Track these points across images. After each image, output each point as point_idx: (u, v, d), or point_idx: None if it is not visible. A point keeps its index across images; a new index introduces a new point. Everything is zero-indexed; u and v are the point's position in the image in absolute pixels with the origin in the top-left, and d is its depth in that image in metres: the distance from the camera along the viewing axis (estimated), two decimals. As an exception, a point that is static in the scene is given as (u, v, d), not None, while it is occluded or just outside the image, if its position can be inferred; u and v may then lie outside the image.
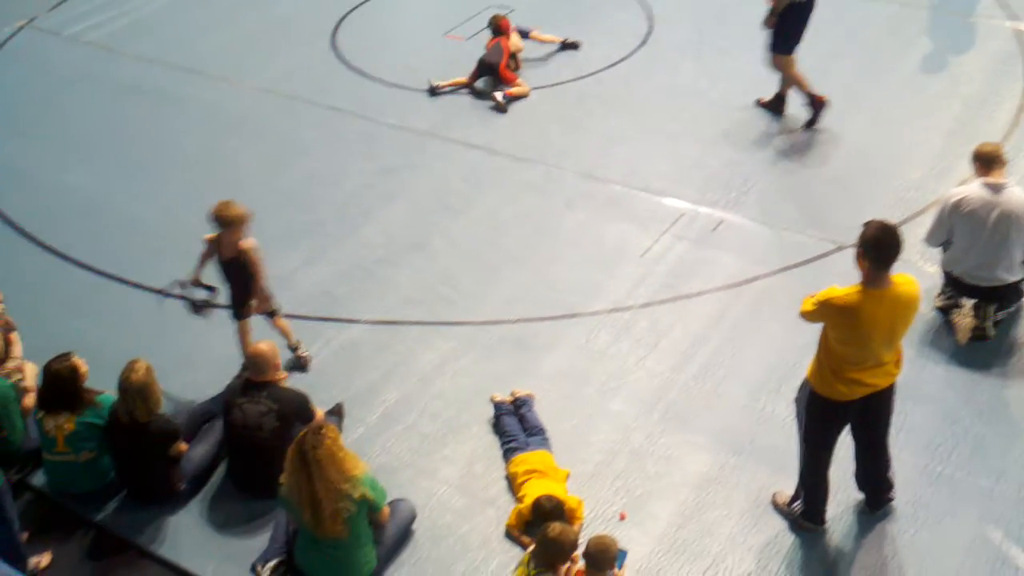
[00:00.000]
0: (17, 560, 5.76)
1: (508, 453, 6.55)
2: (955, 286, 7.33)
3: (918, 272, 7.07)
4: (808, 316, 5.56)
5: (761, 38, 11.01)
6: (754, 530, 6.09)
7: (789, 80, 9.68)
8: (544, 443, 6.57)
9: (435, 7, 12.99)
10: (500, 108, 10.40)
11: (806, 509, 6.02)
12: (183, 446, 6.42)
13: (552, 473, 6.32)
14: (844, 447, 5.90)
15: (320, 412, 6.51)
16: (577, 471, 6.46)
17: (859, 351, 5.42)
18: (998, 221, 6.96)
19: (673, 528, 6.13)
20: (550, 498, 6.02)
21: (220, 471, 6.60)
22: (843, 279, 5.58)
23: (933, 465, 6.40)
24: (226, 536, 6.24)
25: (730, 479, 6.40)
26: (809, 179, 9.20)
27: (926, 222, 7.57)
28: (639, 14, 12.22)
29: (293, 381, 6.89)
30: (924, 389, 6.89)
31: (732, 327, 7.57)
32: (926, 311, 7.38)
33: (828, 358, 5.52)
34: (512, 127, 10.22)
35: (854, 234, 5.45)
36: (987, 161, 7.14)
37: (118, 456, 6.35)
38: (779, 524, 6.11)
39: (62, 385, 6.22)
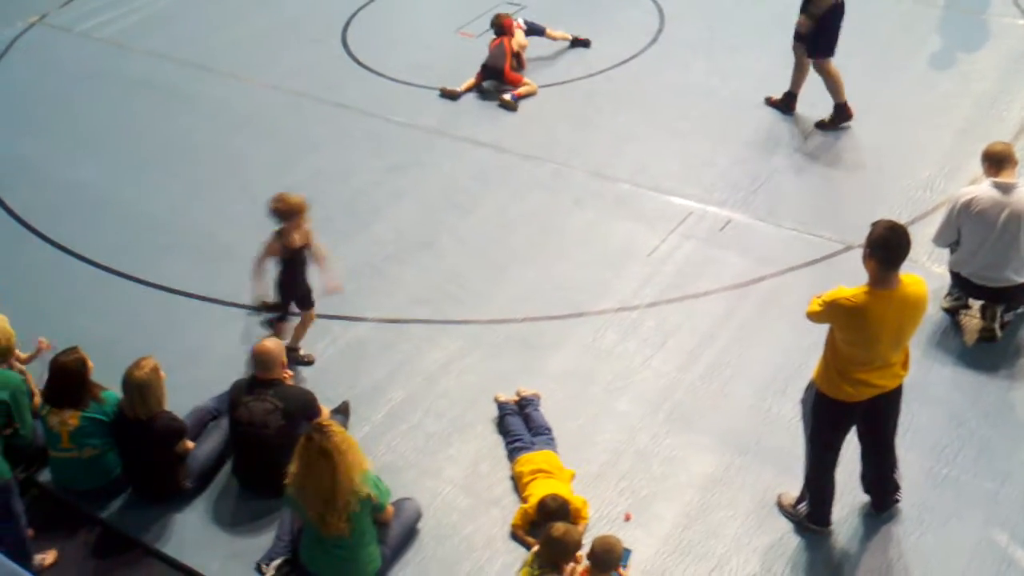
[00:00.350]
0: (23, 557, 5.77)
1: (513, 453, 6.54)
2: (963, 287, 7.30)
3: (926, 273, 7.03)
4: (815, 317, 5.54)
5: (772, 36, 11.04)
6: (759, 531, 6.07)
7: (832, 82, 9.54)
8: (549, 443, 6.56)
9: (446, 4, 12.97)
10: (510, 107, 10.38)
11: (811, 511, 6.01)
12: (189, 444, 6.44)
13: (557, 473, 6.32)
14: (850, 448, 5.88)
15: (326, 410, 6.52)
16: (582, 471, 6.45)
17: (866, 352, 5.39)
18: (1007, 222, 6.92)
19: (678, 529, 6.12)
20: (555, 498, 6.01)
21: (226, 469, 6.61)
22: (851, 279, 5.56)
23: (939, 467, 6.38)
24: (231, 534, 6.25)
25: (735, 480, 6.39)
26: (818, 178, 9.17)
27: (935, 222, 7.54)
28: (650, 11, 12.19)
29: (299, 379, 6.90)
30: (931, 390, 6.86)
31: (739, 327, 7.55)
32: (933, 312, 7.34)
33: (835, 359, 5.50)
34: (521, 125, 10.20)
35: (862, 234, 5.43)
36: (997, 161, 7.10)
37: (124, 453, 6.36)
38: (784, 526, 6.10)
39: (69, 378, 6.24)
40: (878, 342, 5.35)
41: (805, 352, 6.89)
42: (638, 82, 10.82)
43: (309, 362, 7.39)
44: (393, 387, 7.21)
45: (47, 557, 6.07)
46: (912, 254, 5.38)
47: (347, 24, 12.33)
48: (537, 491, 6.11)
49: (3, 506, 5.73)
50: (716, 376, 7.15)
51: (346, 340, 7.65)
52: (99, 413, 6.27)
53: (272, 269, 7.14)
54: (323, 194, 9.31)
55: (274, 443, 6.22)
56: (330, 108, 10.65)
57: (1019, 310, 7.36)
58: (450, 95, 10.66)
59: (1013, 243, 6.96)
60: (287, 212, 6.92)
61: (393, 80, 11.08)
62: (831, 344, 5.52)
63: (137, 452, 6.30)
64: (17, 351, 6.77)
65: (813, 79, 9.69)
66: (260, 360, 6.35)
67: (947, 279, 7.46)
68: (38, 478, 6.60)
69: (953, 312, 7.47)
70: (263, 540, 6.13)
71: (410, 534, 6.10)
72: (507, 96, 10.41)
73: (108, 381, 6.41)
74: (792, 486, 6.13)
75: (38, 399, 6.53)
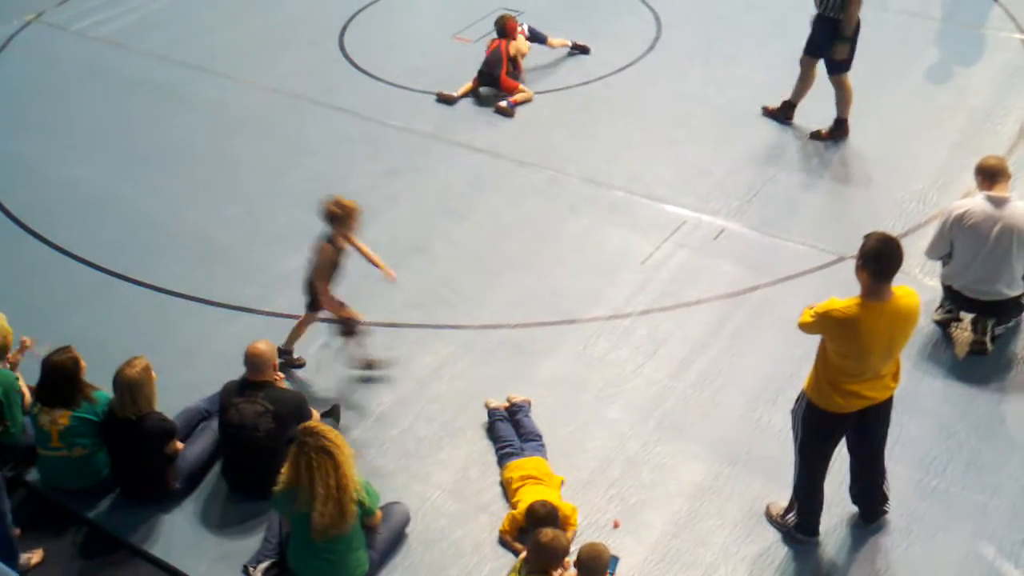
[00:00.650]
0: (9, 556, 5.76)
1: (503, 459, 6.55)
2: (955, 300, 7.31)
3: (918, 285, 7.05)
4: (807, 328, 5.55)
5: (769, 45, 11.09)
6: (747, 541, 6.08)
7: (844, 97, 9.53)
8: (539, 449, 6.57)
9: (444, 9, 12.99)
10: (507, 114, 10.38)
11: (800, 521, 6.01)
12: (179, 444, 6.44)
13: (547, 479, 6.32)
14: (839, 459, 5.90)
15: (316, 413, 6.52)
16: (572, 478, 6.45)
17: (858, 363, 5.40)
18: (1000, 235, 6.94)
19: (667, 537, 6.12)
20: (544, 504, 6.01)
21: (215, 470, 6.61)
22: (844, 290, 5.58)
23: (928, 479, 6.39)
24: (219, 536, 6.24)
25: (725, 489, 6.39)
26: (812, 189, 9.19)
27: (928, 234, 7.56)
28: (647, 19, 12.21)
29: (290, 382, 6.90)
30: (921, 402, 6.87)
31: (731, 336, 7.56)
32: (925, 324, 7.36)
33: (826, 370, 5.51)
34: (517, 131, 10.22)
35: (855, 245, 5.44)
36: (991, 175, 7.12)
37: (113, 453, 6.36)
38: (773, 535, 6.10)
39: (62, 377, 6.24)
40: (869, 354, 5.36)
41: (796, 362, 6.91)
42: (634, 90, 10.84)
43: (300, 365, 7.39)
44: (384, 391, 7.21)
45: (34, 556, 6.05)
46: (905, 266, 5.40)
47: (344, 27, 12.34)
48: (526, 497, 6.11)
49: (-11, 505, 5.72)
50: (707, 385, 7.16)
51: (338, 344, 7.63)
52: (90, 413, 6.27)
53: (307, 268, 7.13)
54: (318, 197, 9.27)
55: (264, 445, 6.22)
56: (327, 111, 10.66)
57: (1010, 324, 7.38)
58: (446, 99, 10.67)
59: (1005, 257, 6.98)
60: (343, 216, 6.92)
61: (390, 84, 11.09)
62: (822, 355, 5.53)
63: (126, 452, 6.29)
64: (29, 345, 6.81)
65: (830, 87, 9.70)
66: (251, 362, 6.34)
67: (939, 292, 7.47)
68: (25, 477, 6.59)
69: (944, 325, 7.48)
70: (251, 542, 6.12)
71: (398, 538, 6.10)
72: (503, 103, 10.42)
73: (100, 381, 6.41)
74: (781, 496, 6.14)
75: (28, 398, 6.52)
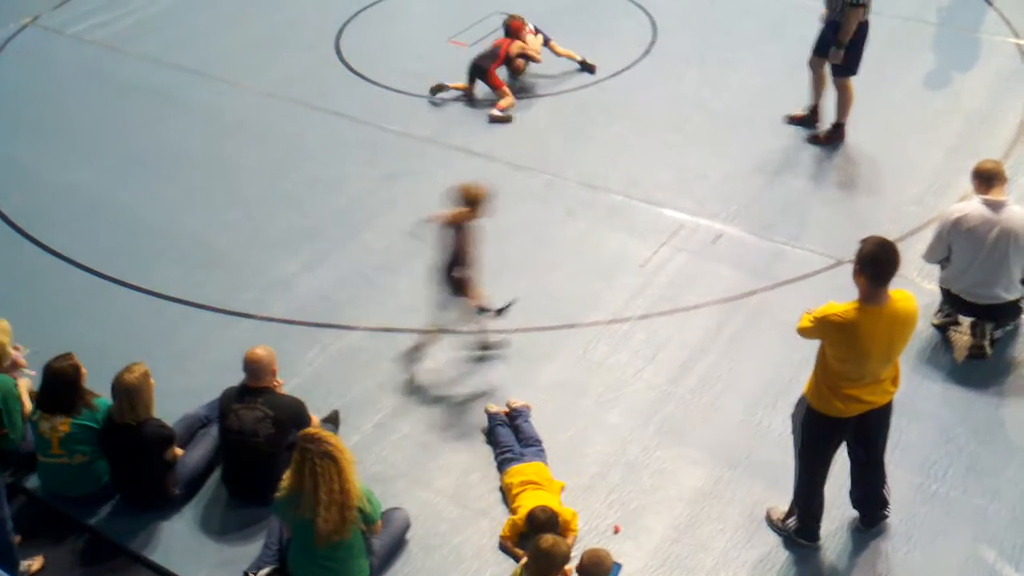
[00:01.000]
0: (9, 563, 5.74)
1: (503, 464, 6.54)
2: (953, 303, 7.33)
3: (916, 289, 7.05)
4: (805, 333, 5.56)
5: (765, 49, 11.10)
6: (748, 546, 6.08)
7: (844, 100, 9.54)
8: (539, 454, 6.56)
9: (439, 13, 12.99)
10: (504, 121, 10.36)
11: (800, 526, 6.02)
12: (178, 451, 6.43)
13: (547, 485, 6.32)
14: (839, 464, 5.90)
15: (316, 419, 6.51)
16: (572, 483, 6.45)
17: (857, 368, 5.41)
18: (997, 239, 6.95)
19: (667, 542, 6.12)
20: (544, 509, 6.01)
21: (215, 477, 6.59)
22: (842, 294, 5.58)
23: (928, 483, 6.39)
24: (219, 542, 6.23)
25: (725, 494, 6.40)
26: (809, 193, 9.20)
27: (925, 238, 7.57)
28: (643, 23, 12.22)
29: (290, 387, 6.89)
30: (920, 406, 6.88)
31: (730, 341, 7.57)
32: (923, 328, 7.37)
33: (825, 374, 5.52)
34: (513, 135, 10.22)
35: (853, 249, 5.45)
36: (987, 178, 7.13)
37: (112, 459, 6.34)
38: (773, 540, 6.11)
39: (63, 383, 6.22)
40: (868, 358, 5.37)
41: (795, 366, 6.91)
42: (631, 94, 10.84)
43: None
44: (384, 396, 7.21)
45: (34, 564, 6.04)
46: (903, 270, 5.41)
47: (340, 31, 12.33)
48: (526, 503, 6.11)
49: (-11, 511, 5.70)
50: (707, 389, 7.16)
51: (337, 349, 7.64)
52: (91, 420, 6.25)
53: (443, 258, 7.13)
54: (316, 202, 9.34)
55: (264, 451, 6.21)
56: (323, 115, 10.65)
57: (1008, 327, 7.40)
58: (437, 88, 10.67)
59: (1003, 261, 7.00)
60: (477, 201, 6.99)
61: (386, 88, 11.09)
62: (822, 360, 5.54)
63: (125, 458, 6.28)
64: (20, 358, 6.77)
65: (827, 91, 9.71)
66: (250, 368, 6.33)
67: (937, 295, 7.49)
68: (25, 484, 6.57)
69: (943, 329, 7.50)
70: (251, 549, 6.11)
71: (399, 544, 6.10)
72: (496, 112, 10.40)
73: (98, 387, 6.40)
74: (781, 500, 6.14)
75: (28, 405, 6.50)
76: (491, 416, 6.88)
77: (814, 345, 5.57)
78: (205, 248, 8.75)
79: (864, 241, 5.37)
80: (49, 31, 12.63)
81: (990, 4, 12.27)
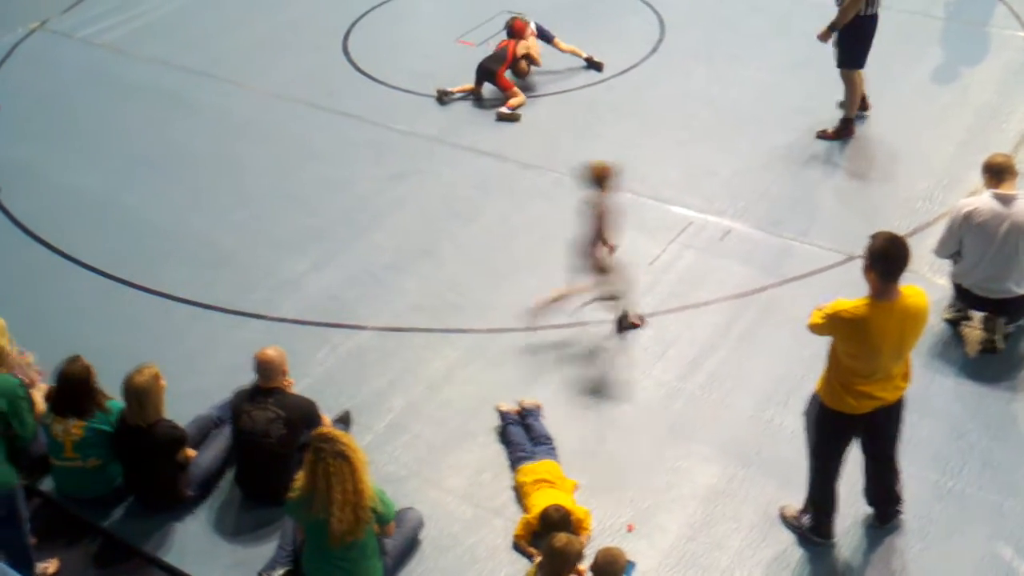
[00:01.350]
0: (26, 565, 5.76)
1: (516, 463, 6.53)
2: (964, 298, 7.30)
3: (927, 284, 7.04)
4: (816, 329, 5.54)
5: (773, 45, 11.06)
6: (763, 544, 6.06)
7: (851, 94, 9.52)
8: (551, 452, 6.55)
9: (447, 13, 12.97)
10: (512, 119, 10.36)
11: (814, 523, 6.00)
12: (190, 452, 6.43)
13: (560, 483, 6.31)
14: (853, 461, 5.88)
15: (327, 419, 6.51)
16: (584, 482, 6.44)
17: (868, 364, 5.39)
18: (1008, 233, 6.93)
19: (682, 541, 6.11)
20: (558, 508, 6.00)
21: (228, 477, 6.60)
22: (852, 290, 5.57)
23: (943, 480, 6.37)
24: (233, 543, 6.23)
25: (738, 492, 6.38)
26: (818, 189, 9.17)
27: (936, 233, 7.55)
28: (650, 20, 12.20)
29: (300, 387, 6.89)
30: (932, 402, 6.85)
31: (740, 337, 7.55)
32: (935, 323, 7.34)
33: (837, 371, 5.50)
34: (521, 133, 10.21)
35: (863, 244, 5.42)
36: (998, 172, 7.11)
37: (125, 461, 6.35)
38: (788, 538, 6.09)
39: (75, 387, 6.22)
40: (879, 354, 5.35)
41: (806, 363, 6.90)
42: (639, 91, 10.83)
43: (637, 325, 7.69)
44: (394, 396, 7.20)
45: (49, 566, 6.05)
46: (913, 265, 5.39)
47: (348, 32, 12.33)
48: (540, 501, 6.10)
49: (8, 512, 5.70)
50: (717, 386, 7.15)
51: (347, 348, 7.63)
52: (104, 423, 6.25)
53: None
54: (324, 201, 9.34)
55: (276, 452, 6.21)
56: (331, 115, 10.65)
57: (1020, 322, 7.36)
58: (441, 94, 10.67)
59: (1014, 255, 6.97)
60: (607, 177, 7.10)
61: (394, 88, 11.08)
62: (833, 356, 5.52)
63: (138, 460, 6.29)
64: (35, 376, 6.76)
65: (835, 86, 9.68)
66: (261, 368, 6.33)
67: (949, 290, 7.46)
68: (39, 486, 6.58)
69: (955, 323, 7.47)
70: (265, 549, 6.11)
71: (412, 544, 6.09)
72: (504, 110, 10.39)
73: (107, 388, 6.39)
74: (795, 498, 6.12)
75: (42, 406, 6.48)
76: (502, 415, 6.86)
77: (824, 341, 5.56)
78: (213, 249, 8.76)
79: (874, 236, 5.35)
80: (58, 35, 12.65)
81: (998, -2, 12.25)
